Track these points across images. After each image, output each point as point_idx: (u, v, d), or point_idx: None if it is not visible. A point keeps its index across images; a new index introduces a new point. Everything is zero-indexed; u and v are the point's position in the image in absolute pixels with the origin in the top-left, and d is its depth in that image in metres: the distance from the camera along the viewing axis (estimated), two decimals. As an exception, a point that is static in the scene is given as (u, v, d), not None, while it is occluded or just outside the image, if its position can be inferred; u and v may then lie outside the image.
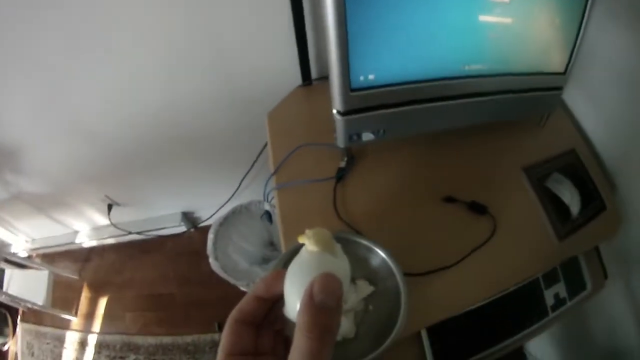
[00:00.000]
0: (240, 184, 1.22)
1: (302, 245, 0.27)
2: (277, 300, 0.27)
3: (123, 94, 0.94)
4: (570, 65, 0.69)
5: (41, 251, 1.86)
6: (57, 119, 1.02)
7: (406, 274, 0.50)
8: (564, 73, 0.70)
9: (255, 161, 1.03)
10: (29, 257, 1.84)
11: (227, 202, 1.35)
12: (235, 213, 1.24)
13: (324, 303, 0.22)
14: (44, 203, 1.48)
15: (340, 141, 0.58)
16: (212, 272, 1.13)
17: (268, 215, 0.74)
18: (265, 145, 0.71)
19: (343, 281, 0.24)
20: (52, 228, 1.68)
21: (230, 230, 1.21)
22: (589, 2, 0.63)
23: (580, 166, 0.76)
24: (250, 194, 1.30)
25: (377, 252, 0.50)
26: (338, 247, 0.27)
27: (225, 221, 1.21)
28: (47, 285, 1.59)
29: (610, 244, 0.79)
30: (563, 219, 0.69)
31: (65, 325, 1.66)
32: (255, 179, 1.21)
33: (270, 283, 0.27)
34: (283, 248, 0.59)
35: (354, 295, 0.52)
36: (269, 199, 0.65)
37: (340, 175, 0.64)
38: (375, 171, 0.67)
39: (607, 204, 0.74)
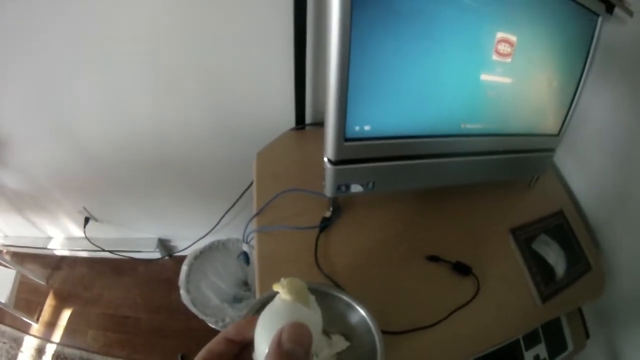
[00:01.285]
0: (220, 219, 1.20)
1: (276, 293, 0.27)
2: (247, 345, 0.27)
3: (113, 108, 0.92)
4: (564, 127, 0.70)
5: (12, 249, 1.80)
6: (47, 120, 0.99)
7: (384, 332, 0.48)
8: (558, 134, 0.71)
9: (238, 199, 1.02)
10: (-1, 252, 1.77)
11: (205, 235, 1.32)
12: (212, 248, 1.22)
13: (291, 351, 0.22)
14: (22, 202, 1.44)
15: (328, 190, 0.56)
16: (181, 303, 1.10)
17: (245, 256, 0.71)
18: (251, 184, 0.69)
19: (313, 332, 0.24)
20: (26, 228, 1.63)
21: (205, 265, 1.18)
22: (587, 66, 0.64)
23: (567, 227, 0.76)
24: (229, 231, 1.28)
25: (355, 308, 0.49)
26: (312, 298, 0.27)
27: (201, 255, 1.19)
28: (12, 285, 1.52)
29: (592, 303, 0.79)
30: (547, 280, 0.69)
31: (24, 329, 1.59)
32: (236, 217, 1.19)
33: (243, 327, 0.27)
34: (257, 292, 0.56)
35: (327, 349, 0.50)
36: (248, 239, 0.62)
37: (324, 225, 0.62)
38: (360, 224, 0.66)
39: (592, 265, 0.74)
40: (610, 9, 0.62)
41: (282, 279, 0.27)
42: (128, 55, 0.79)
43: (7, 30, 0.74)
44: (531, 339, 0.72)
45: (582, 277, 0.73)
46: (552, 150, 0.73)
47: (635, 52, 0.66)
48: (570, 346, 0.76)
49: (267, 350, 0.23)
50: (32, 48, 0.77)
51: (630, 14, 0.62)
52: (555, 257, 0.70)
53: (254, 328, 0.26)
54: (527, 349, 0.71)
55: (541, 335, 0.73)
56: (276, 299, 0.27)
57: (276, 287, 0.27)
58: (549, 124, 0.70)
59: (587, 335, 0.79)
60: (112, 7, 0.70)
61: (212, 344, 0.27)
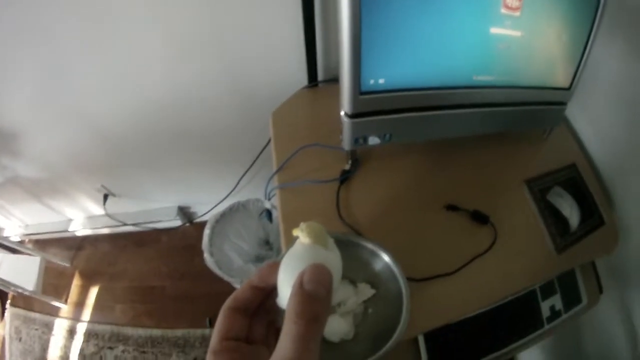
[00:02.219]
0: (239, 181, 1.21)
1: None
2: (271, 291, 0.28)
3: (125, 82, 0.93)
4: (575, 81, 0.70)
5: (34, 237, 1.85)
6: (58, 105, 1.00)
7: (407, 279, 0.50)
8: (569, 88, 0.71)
9: (255, 159, 1.03)
10: (22, 242, 1.82)
11: (224, 198, 1.34)
12: (232, 210, 1.23)
13: (313, 291, 0.23)
14: (40, 189, 1.46)
15: (346, 143, 0.58)
16: (205, 268, 1.12)
17: (268, 214, 0.73)
18: (267, 143, 0.71)
19: (333, 272, 0.25)
20: (46, 214, 1.67)
21: (227, 228, 1.20)
22: (597, 19, 0.64)
23: (580, 181, 0.77)
24: (248, 192, 1.29)
25: (380, 255, 0.50)
26: (330, 240, 0.28)
27: (222, 218, 1.21)
28: (38, 271, 1.57)
29: (606, 258, 0.80)
30: (562, 232, 0.70)
31: (54, 312, 1.65)
32: (254, 178, 1.20)
33: (265, 274, 0.27)
34: (283, 247, 0.59)
35: (354, 297, 0.52)
36: (270, 197, 0.64)
37: (344, 178, 0.64)
38: (379, 175, 0.67)
39: (606, 220, 0.75)
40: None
41: (301, 224, 0.28)
42: (135, 26, 0.79)
43: (10, 16, 0.74)
44: (547, 290, 0.74)
45: (595, 230, 0.74)
46: (564, 103, 0.73)
47: None
48: (585, 300, 0.78)
49: (289, 293, 0.23)
50: (36, 29, 0.77)
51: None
52: (569, 209, 0.71)
53: (276, 273, 0.26)
54: (543, 300, 0.73)
55: (557, 286, 0.75)
56: (296, 244, 0.27)
57: (295, 232, 0.28)
58: (560, 77, 0.70)
59: (601, 290, 0.81)
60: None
61: (238, 292, 0.28)
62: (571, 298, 0.77)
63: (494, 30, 0.57)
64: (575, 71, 0.69)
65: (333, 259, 0.27)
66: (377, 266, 0.51)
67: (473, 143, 0.74)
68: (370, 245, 0.51)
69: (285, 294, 0.24)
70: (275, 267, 0.26)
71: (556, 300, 0.74)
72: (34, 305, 1.68)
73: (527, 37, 0.61)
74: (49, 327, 1.62)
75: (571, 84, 0.70)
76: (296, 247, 0.27)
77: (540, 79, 0.68)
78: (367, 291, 0.52)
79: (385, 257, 0.50)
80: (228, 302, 0.27)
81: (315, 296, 0.23)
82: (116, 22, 0.77)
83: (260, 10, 0.76)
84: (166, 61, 0.87)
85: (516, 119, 0.70)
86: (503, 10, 0.56)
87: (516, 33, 0.59)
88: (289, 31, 0.76)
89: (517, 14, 0.57)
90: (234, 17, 0.78)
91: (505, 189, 0.71)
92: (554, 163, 0.77)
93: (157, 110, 1.01)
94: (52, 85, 0.93)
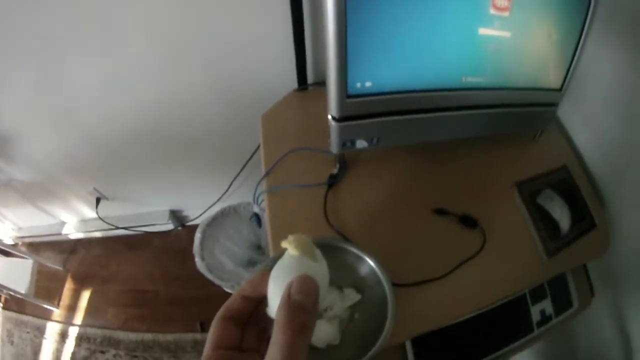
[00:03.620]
0: (230, 185, 1.22)
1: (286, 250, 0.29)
2: (262, 300, 0.28)
3: (117, 86, 0.93)
4: (566, 82, 0.69)
5: (27, 240, 1.84)
6: (51, 109, 1.00)
7: (393, 284, 0.49)
8: (560, 89, 0.70)
9: (246, 163, 1.03)
10: (14, 245, 1.82)
11: (216, 202, 1.34)
12: (223, 214, 1.24)
13: (300, 302, 0.24)
14: (33, 192, 1.46)
15: (334, 147, 0.57)
16: (197, 272, 1.12)
17: (257, 218, 0.73)
18: (258, 147, 0.70)
19: (320, 283, 0.26)
20: (39, 217, 1.66)
21: (218, 231, 1.20)
22: (588, 21, 0.63)
23: (571, 183, 0.76)
24: (239, 196, 1.30)
25: (365, 260, 0.50)
26: (317, 252, 0.29)
27: (213, 221, 1.21)
28: (30, 274, 1.57)
29: (597, 262, 0.79)
30: (553, 236, 0.69)
31: (46, 316, 1.64)
32: (245, 181, 1.20)
33: (256, 283, 0.28)
34: (271, 251, 0.58)
35: (340, 302, 0.51)
36: (259, 201, 0.64)
37: (332, 182, 0.63)
38: (367, 179, 0.67)
39: (597, 222, 0.75)
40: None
41: (289, 236, 0.29)
42: (126, 33, 0.79)
43: (3, 22, 0.74)
44: (537, 295, 0.73)
45: (587, 233, 0.73)
46: (555, 104, 0.72)
47: (638, 5, 0.65)
48: (576, 304, 0.77)
49: (278, 303, 0.24)
50: (28, 37, 0.78)
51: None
52: (560, 212, 0.70)
53: (267, 283, 0.27)
54: (533, 304, 0.72)
55: (547, 290, 0.75)
56: (285, 255, 0.28)
57: (284, 244, 0.28)
58: (551, 78, 0.69)
59: (592, 293, 0.80)
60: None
61: (230, 302, 0.29)
62: (562, 302, 0.76)
63: (483, 31, 0.57)
64: (566, 72, 0.68)
65: (320, 270, 0.28)
66: (363, 271, 0.50)
67: (462, 146, 0.74)
68: (355, 250, 0.50)
69: (274, 304, 0.25)
70: (266, 277, 0.27)
71: (546, 305, 0.74)
72: (26, 308, 1.67)
73: (516, 38, 0.60)
74: (41, 331, 1.61)
75: (562, 84, 0.70)
76: (285, 259, 0.28)
77: (530, 80, 0.67)
78: (353, 296, 0.51)
79: (371, 262, 0.49)
80: (221, 311, 0.28)
81: (302, 307, 0.24)
82: (108, 27, 0.78)
83: (250, 14, 0.76)
84: (157, 66, 0.87)
85: (506, 121, 0.70)
86: (492, 11, 0.55)
87: (505, 34, 0.59)
88: (279, 34, 0.76)
89: (506, 14, 0.57)
90: (224, 21, 0.78)
91: (495, 192, 0.71)
92: (545, 165, 0.76)
93: (148, 114, 1.02)
94: (45, 90, 0.93)
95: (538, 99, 0.69)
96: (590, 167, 0.80)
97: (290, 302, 0.24)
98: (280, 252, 0.31)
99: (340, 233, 0.59)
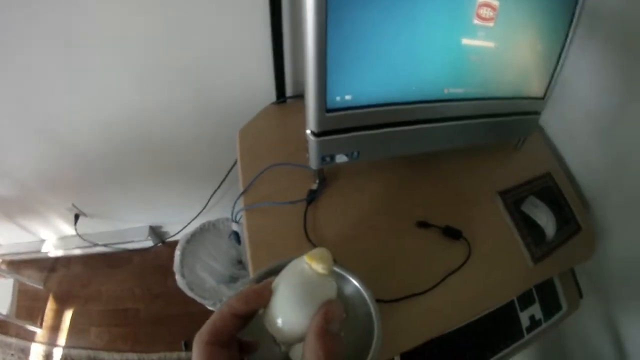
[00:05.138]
0: (208, 200, 1.19)
1: (277, 264, 0.29)
2: (252, 316, 0.27)
3: (94, 100, 0.90)
4: (549, 90, 0.70)
5: (7, 257, 1.78)
6: (27, 123, 0.97)
7: (379, 301, 0.48)
8: (543, 98, 0.70)
9: (224, 178, 1.01)
10: (-6, 263, 1.75)
11: (195, 218, 1.31)
12: (203, 230, 1.22)
13: (337, 332, 0.24)
14: (11, 208, 1.42)
15: (313, 163, 0.56)
16: (179, 289, 1.10)
17: (236, 236, 0.71)
18: (235, 162, 0.68)
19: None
20: (18, 235, 1.61)
21: (198, 248, 1.18)
22: (571, 31, 0.63)
23: (555, 189, 0.77)
24: (219, 211, 1.27)
25: (348, 279, 0.49)
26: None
27: (193, 238, 1.19)
28: (12, 294, 1.52)
29: (585, 263, 0.80)
30: (538, 242, 0.69)
31: (30, 337, 1.59)
32: (224, 196, 1.18)
33: (253, 297, 0.26)
34: (250, 269, 0.56)
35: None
36: (237, 218, 0.62)
37: (312, 198, 0.62)
38: (347, 194, 0.65)
39: (582, 225, 0.75)
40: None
41: (314, 250, 0.27)
42: (104, 48, 0.77)
43: None
44: (525, 300, 0.73)
45: (572, 237, 0.74)
46: (537, 113, 0.72)
47: (620, 17, 0.65)
48: (565, 306, 0.77)
49: (295, 319, 0.24)
50: (5, 52, 0.75)
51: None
52: (544, 218, 0.70)
53: (264, 298, 0.26)
54: (522, 310, 0.72)
55: (535, 296, 0.75)
56: (307, 269, 0.27)
57: (309, 259, 0.27)
58: (534, 87, 0.69)
59: (581, 295, 0.81)
60: (86, 4, 0.68)
61: (217, 323, 0.26)
62: (551, 306, 0.76)
63: (466, 41, 0.56)
64: (549, 80, 0.69)
65: (336, 290, 0.27)
66: (347, 290, 0.49)
67: (444, 156, 0.73)
68: (337, 269, 0.49)
69: (291, 321, 0.25)
70: (262, 292, 0.26)
71: (535, 310, 0.74)
72: (10, 329, 1.62)
73: (500, 48, 0.60)
74: (25, 353, 1.56)
75: (545, 93, 0.70)
76: (307, 274, 0.27)
77: (514, 89, 0.67)
78: (338, 315, 0.50)
79: (354, 281, 0.48)
80: (204, 336, 0.25)
81: (338, 337, 0.24)
82: (85, 42, 0.75)
83: (227, 26, 0.75)
84: (134, 80, 0.85)
85: (489, 131, 0.70)
86: (476, 21, 0.55)
87: (489, 44, 0.58)
88: (257, 46, 0.75)
89: (491, 24, 0.56)
90: (201, 34, 0.76)
91: (478, 202, 0.71)
92: (529, 172, 0.76)
93: (122, 129, 0.99)
94: (21, 102, 0.90)
95: (521, 108, 0.69)
96: (574, 170, 0.81)
97: (328, 332, 0.24)
98: (279, 263, 0.29)
99: (323, 250, 0.57)
